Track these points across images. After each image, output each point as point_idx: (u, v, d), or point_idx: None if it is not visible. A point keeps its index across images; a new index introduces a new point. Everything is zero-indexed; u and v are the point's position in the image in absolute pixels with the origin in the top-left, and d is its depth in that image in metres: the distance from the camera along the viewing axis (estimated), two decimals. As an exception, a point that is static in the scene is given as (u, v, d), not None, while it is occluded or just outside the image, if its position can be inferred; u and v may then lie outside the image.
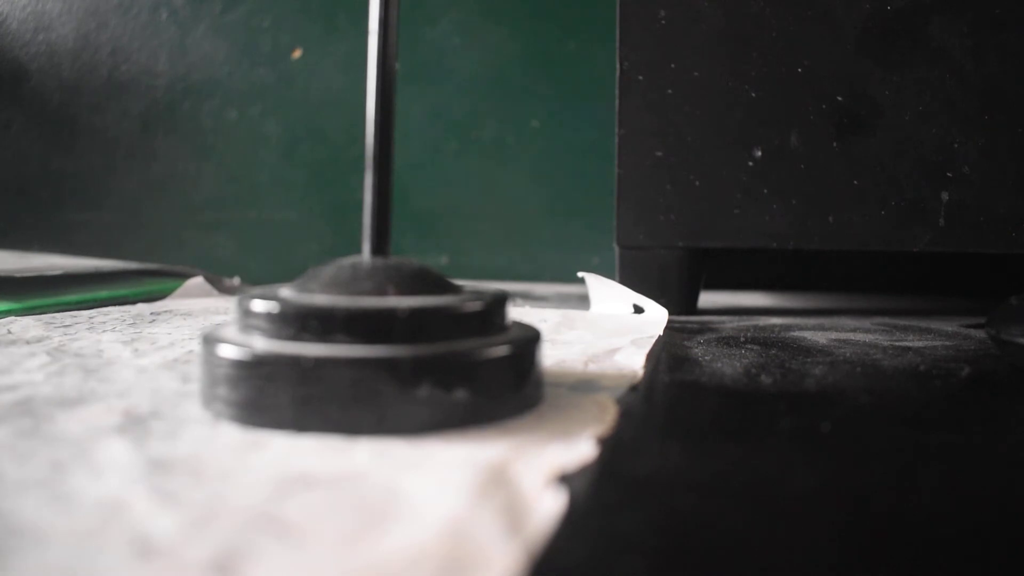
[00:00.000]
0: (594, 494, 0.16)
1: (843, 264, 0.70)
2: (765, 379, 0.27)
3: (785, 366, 0.30)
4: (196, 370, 0.25)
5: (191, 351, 0.30)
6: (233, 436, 0.18)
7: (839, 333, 0.40)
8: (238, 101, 0.83)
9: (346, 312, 0.19)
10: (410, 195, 0.80)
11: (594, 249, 0.77)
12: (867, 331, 0.41)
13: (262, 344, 0.19)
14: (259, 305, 0.20)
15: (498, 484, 0.15)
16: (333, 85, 0.81)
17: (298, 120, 0.82)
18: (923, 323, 0.46)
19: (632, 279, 0.48)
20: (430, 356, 0.19)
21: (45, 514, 0.13)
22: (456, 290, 0.22)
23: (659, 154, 0.47)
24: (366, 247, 0.22)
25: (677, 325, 0.43)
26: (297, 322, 0.19)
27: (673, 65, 0.46)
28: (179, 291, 0.53)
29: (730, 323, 0.44)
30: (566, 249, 0.78)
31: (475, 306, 0.21)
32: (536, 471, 0.16)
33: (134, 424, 0.19)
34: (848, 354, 0.33)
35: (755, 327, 0.43)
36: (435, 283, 0.22)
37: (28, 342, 0.31)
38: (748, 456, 0.18)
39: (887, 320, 0.47)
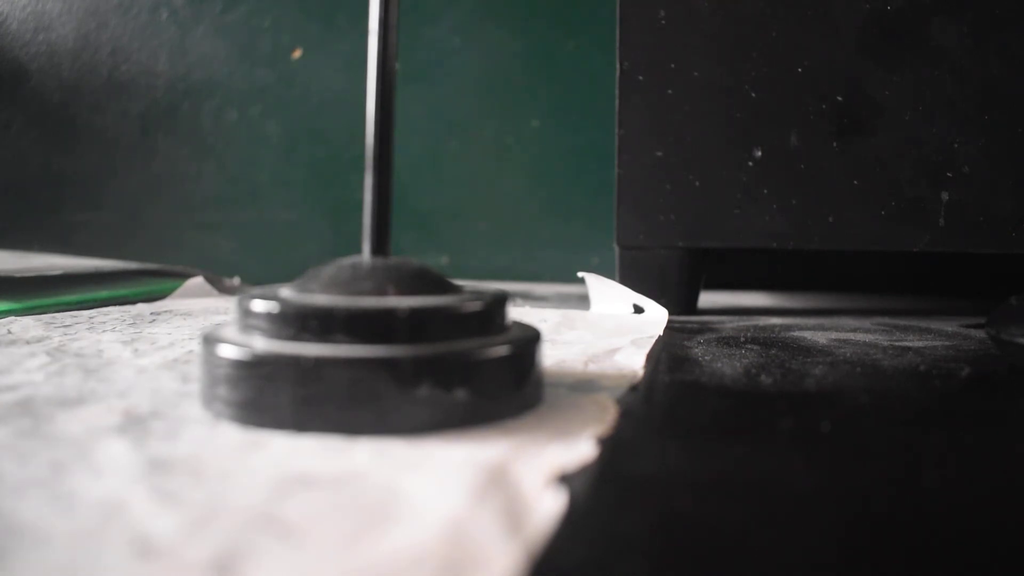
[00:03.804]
0: (594, 494, 0.16)
1: (843, 264, 0.70)
2: (765, 379, 0.27)
3: (785, 366, 0.30)
4: (196, 370, 0.25)
5: (191, 351, 0.30)
6: (233, 436, 0.18)
7: (839, 333, 0.40)
8: (238, 101, 0.83)
9: (346, 312, 0.19)
10: (410, 195, 0.80)
11: (594, 249, 0.77)
12: (867, 331, 0.41)
13: (262, 344, 0.19)
14: (259, 305, 0.20)
15: (498, 484, 0.15)
16: (333, 85, 0.81)
17: (298, 120, 0.82)
18: (923, 323, 0.46)
19: (632, 279, 0.48)
20: (430, 356, 0.19)
21: (45, 514, 0.13)
22: (456, 290, 0.22)
23: (659, 154, 0.47)
24: (366, 247, 0.22)
25: (677, 325, 0.43)
26: (297, 322, 0.19)
27: (673, 65, 0.46)
28: (179, 291, 0.53)
29: (730, 323, 0.44)
30: (566, 249, 0.78)
31: (475, 306, 0.21)
32: (536, 471, 0.16)
33: (134, 424, 0.19)
34: (848, 354, 0.33)
35: (755, 327, 0.43)
36: (435, 283, 0.22)
37: (28, 342, 0.31)
38: (748, 456, 0.18)
39: (887, 320, 0.47)
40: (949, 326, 0.44)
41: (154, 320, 0.39)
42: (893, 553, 0.13)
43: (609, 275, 0.48)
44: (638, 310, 0.45)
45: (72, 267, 0.55)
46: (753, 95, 0.46)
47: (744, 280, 0.71)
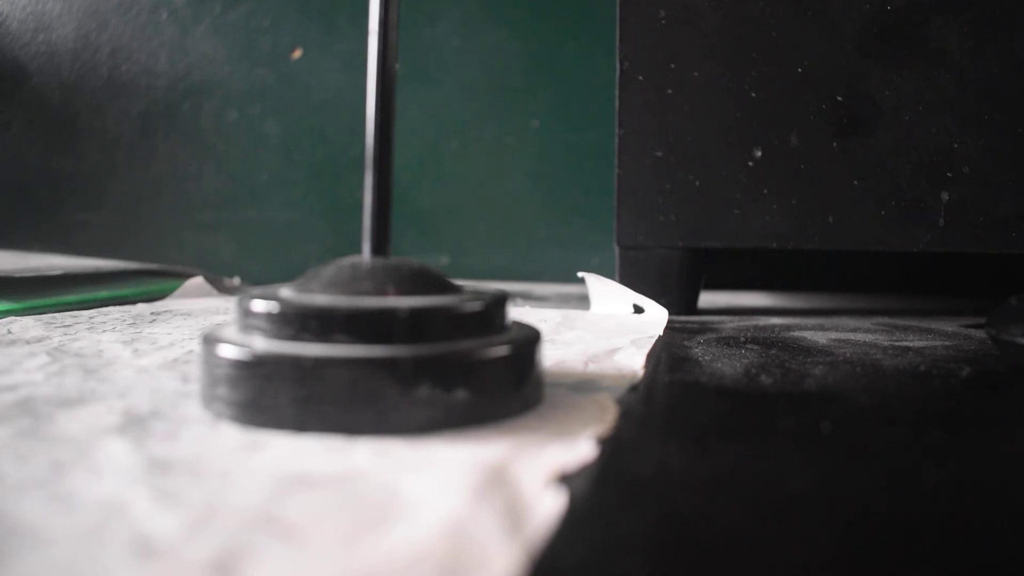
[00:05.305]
0: (594, 494, 0.16)
1: (843, 264, 0.70)
2: (765, 379, 0.27)
3: (785, 366, 0.30)
4: (196, 370, 0.25)
5: (191, 351, 0.30)
6: (233, 436, 0.18)
7: (839, 333, 0.40)
8: (238, 101, 0.83)
9: (346, 312, 0.19)
10: (410, 195, 0.80)
11: (594, 249, 0.77)
12: (867, 331, 0.41)
13: (262, 344, 0.19)
14: (259, 305, 0.20)
15: (498, 484, 0.15)
16: (333, 85, 0.81)
17: (298, 120, 0.82)
18: (923, 323, 0.46)
19: (632, 279, 0.48)
20: (430, 356, 0.19)
21: (45, 514, 0.13)
22: (456, 290, 0.22)
23: (659, 154, 0.47)
24: (366, 247, 0.22)
25: (677, 325, 0.43)
26: (297, 322, 0.19)
27: (673, 65, 0.46)
28: (179, 291, 0.53)
29: (730, 323, 0.44)
30: (566, 249, 0.78)
31: (475, 306, 0.21)
32: (536, 471, 0.16)
33: (134, 424, 0.19)
34: (848, 354, 0.33)
35: (755, 327, 0.43)
36: (435, 283, 0.22)
37: (28, 342, 0.31)
38: (748, 456, 0.18)
39: (887, 320, 0.47)
40: (949, 326, 0.44)
41: (154, 320, 0.39)
42: (893, 553, 0.13)
43: (609, 275, 0.48)
44: (638, 310, 0.45)
45: (72, 267, 0.55)
46: (753, 95, 0.46)
47: (744, 280, 0.71)
